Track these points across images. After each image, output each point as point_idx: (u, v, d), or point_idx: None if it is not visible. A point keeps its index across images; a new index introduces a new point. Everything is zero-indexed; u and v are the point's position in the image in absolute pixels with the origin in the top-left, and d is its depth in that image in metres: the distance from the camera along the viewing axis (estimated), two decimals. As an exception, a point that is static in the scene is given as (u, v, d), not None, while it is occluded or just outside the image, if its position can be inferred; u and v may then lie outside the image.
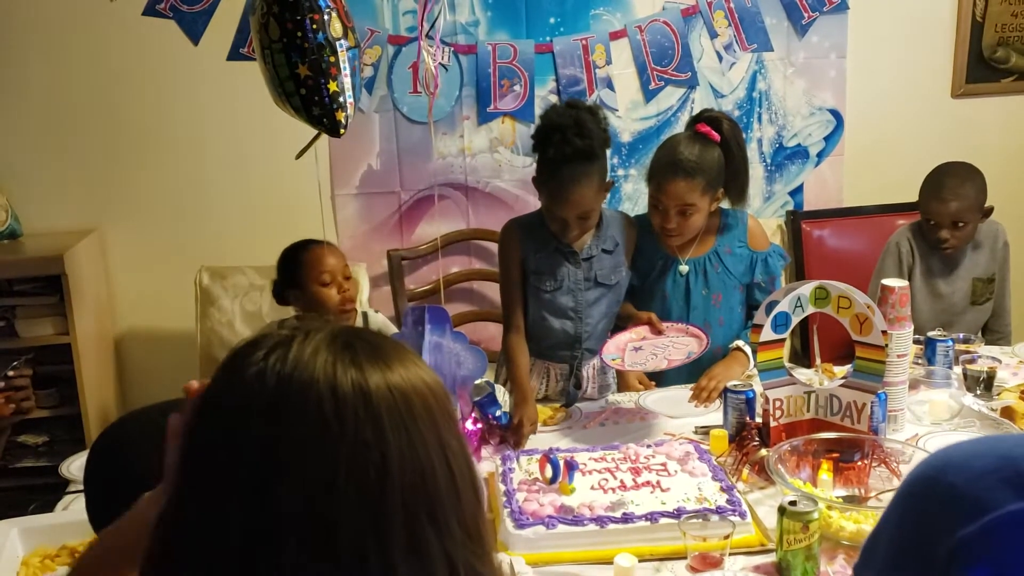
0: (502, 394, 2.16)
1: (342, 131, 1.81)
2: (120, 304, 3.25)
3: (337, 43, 1.72)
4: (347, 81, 1.75)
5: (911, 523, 0.66)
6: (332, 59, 1.71)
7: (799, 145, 3.42)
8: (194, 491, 0.70)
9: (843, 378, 1.98)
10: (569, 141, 2.12)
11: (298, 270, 2.38)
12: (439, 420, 0.73)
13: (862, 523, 1.59)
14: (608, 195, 2.30)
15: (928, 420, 2.09)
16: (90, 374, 2.96)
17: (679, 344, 2.16)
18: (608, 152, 2.24)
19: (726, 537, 1.54)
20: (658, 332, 2.21)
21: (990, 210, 2.77)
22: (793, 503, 1.51)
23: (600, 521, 1.61)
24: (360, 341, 0.73)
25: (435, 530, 0.69)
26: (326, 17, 1.71)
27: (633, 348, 2.18)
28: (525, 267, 2.31)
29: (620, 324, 2.37)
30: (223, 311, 3.08)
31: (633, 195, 3.34)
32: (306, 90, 1.73)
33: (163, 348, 3.22)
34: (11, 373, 1.96)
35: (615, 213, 2.43)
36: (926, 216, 2.76)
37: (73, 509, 1.80)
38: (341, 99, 1.75)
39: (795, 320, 1.92)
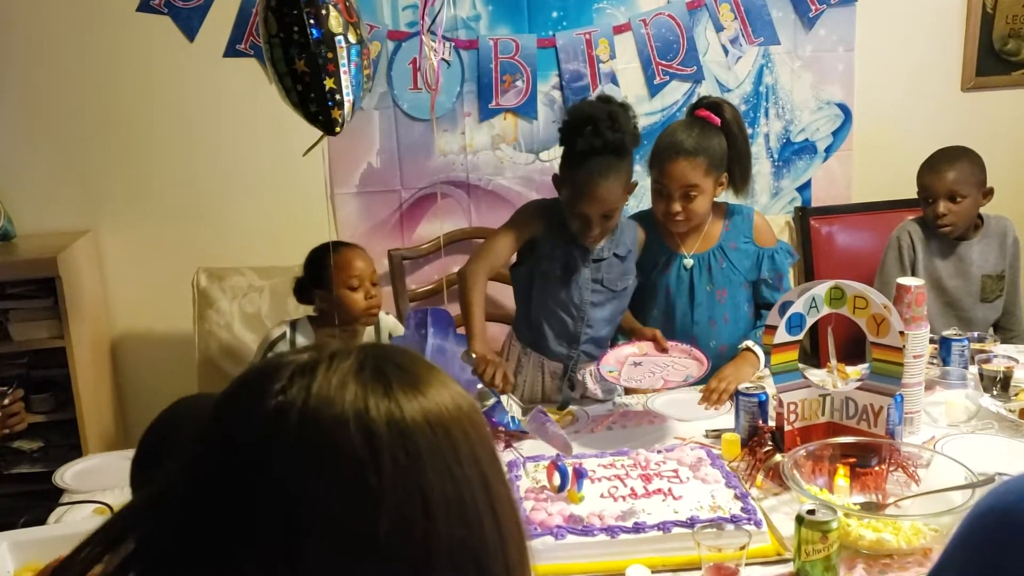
0: (506, 400, 2.12)
1: (338, 129, 1.76)
2: (116, 306, 3.20)
3: (336, 39, 1.67)
4: (345, 78, 1.70)
5: (983, 562, 0.61)
6: (330, 55, 1.66)
7: (807, 140, 3.36)
8: (200, 547, 0.60)
9: (859, 380, 1.93)
10: (601, 133, 2.06)
11: (327, 272, 2.33)
12: (479, 451, 0.64)
13: (882, 532, 1.55)
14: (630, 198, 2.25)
15: (945, 422, 2.04)
16: (86, 378, 2.90)
17: (679, 365, 2.13)
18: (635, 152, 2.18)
19: (742, 547, 1.49)
20: (662, 349, 2.17)
21: (990, 191, 2.73)
22: (811, 512, 1.46)
23: (611, 531, 1.57)
24: (391, 365, 0.64)
25: None
26: (324, 12, 1.66)
27: (633, 363, 2.15)
28: (535, 246, 2.24)
29: (621, 336, 2.33)
30: (221, 313, 3.03)
31: (638, 191, 3.27)
32: (303, 86, 1.69)
33: (160, 351, 3.17)
34: (6, 402, 1.94)
35: (629, 220, 2.39)
36: (924, 195, 2.74)
37: (66, 521, 1.75)
38: (338, 96, 1.70)
39: (810, 321, 1.87)
